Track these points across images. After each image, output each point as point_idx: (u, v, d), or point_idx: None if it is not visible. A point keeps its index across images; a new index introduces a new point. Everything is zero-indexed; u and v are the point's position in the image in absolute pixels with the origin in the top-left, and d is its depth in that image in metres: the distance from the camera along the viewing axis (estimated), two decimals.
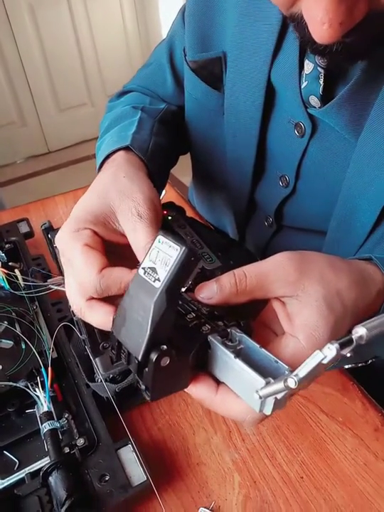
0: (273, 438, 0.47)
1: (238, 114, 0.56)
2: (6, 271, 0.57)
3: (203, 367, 0.33)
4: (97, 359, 0.45)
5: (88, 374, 0.49)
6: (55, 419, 0.44)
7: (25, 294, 0.56)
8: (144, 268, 0.29)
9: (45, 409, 0.45)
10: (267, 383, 0.28)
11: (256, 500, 0.42)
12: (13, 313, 0.54)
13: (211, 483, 0.44)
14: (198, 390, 0.34)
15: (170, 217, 0.54)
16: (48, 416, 0.44)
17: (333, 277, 0.34)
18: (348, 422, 0.48)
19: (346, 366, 0.51)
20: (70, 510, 0.38)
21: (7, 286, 0.56)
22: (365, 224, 0.48)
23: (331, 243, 0.54)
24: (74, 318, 0.49)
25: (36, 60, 2.74)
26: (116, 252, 0.39)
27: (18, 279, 0.57)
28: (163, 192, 0.63)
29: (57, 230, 0.62)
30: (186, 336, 0.32)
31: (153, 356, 0.28)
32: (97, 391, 0.48)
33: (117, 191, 0.39)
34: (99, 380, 0.46)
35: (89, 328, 0.46)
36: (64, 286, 0.39)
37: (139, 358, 0.29)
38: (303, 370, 0.26)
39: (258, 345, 0.31)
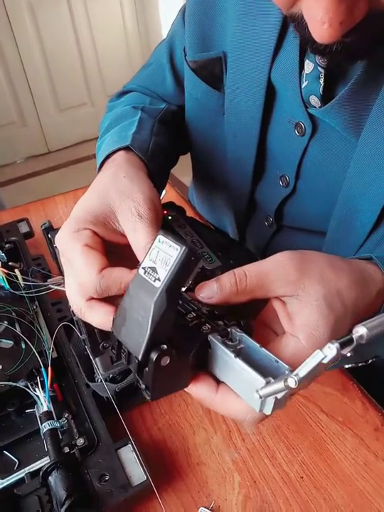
0: (273, 438, 0.47)
1: (238, 113, 0.56)
2: (6, 271, 0.57)
3: (203, 366, 0.33)
4: (97, 359, 0.45)
5: (88, 374, 0.49)
6: (55, 418, 0.44)
7: (25, 293, 0.56)
8: (144, 268, 0.29)
9: (45, 409, 0.45)
10: (267, 383, 0.28)
11: (256, 500, 0.42)
12: (13, 313, 0.54)
13: (211, 483, 0.44)
14: (198, 390, 0.34)
15: (170, 217, 0.54)
16: (48, 416, 0.44)
17: (333, 277, 0.34)
18: (348, 421, 0.48)
19: (346, 366, 0.51)
20: (70, 510, 0.38)
21: (7, 286, 0.56)
22: (365, 224, 0.48)
23: (331, 243, 0.54)
24: (74, 318, 0.49)
25: (36, 60, 2.74)
26: (116, 252, 0.39)
27: (18, 279, 0.57)
28: (164, 192, 0.63)
29: (57, 229, 0.62)
30: (186, 336, 0.32)
31: (154, 356, 0.28)
32: (97, 391, 0.48)
33: (117, 191, 0.39)
34: (99, 380, 0.46)
35: (89, 328, 0.46)
36: (64, 286, 0.39)
37: (139, 357, 0.29)
38: (303, 370, 0.26)
39: (258, 345, 0.31)
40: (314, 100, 0.47)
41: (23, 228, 0.72)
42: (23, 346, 0.51)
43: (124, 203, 0.38)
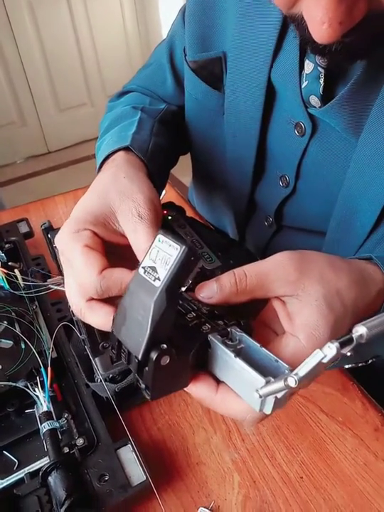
0: (273, 438, 0.47)
1: (238, 114, 0.56)
2: (5, 271, 0.57)
3: (203, 366, 0.33)
4: (96, 359, 0.45)
5: (88, 374, 0.49)
6: (55, 419, 0.44)
7: (25, 293, 0.56)
8: (144, 267, 0.29)
9: (45, 409, 0.44)
10: (267, 382, 0.28)
11: (255, 500, 0.42)
12: (13, 313, 0.54)
13: (211, 483, 0.44)
14: (198, 389, 0.34)
15: (170, 217, 0.54)
16: (48, 416, 0.44)
17: (333, 277, 0.34)
18: (348, 422, 0.48)
19: (346, 366, 0.51)
20: (70, 510, 0.38)
21: (7, 286, 0.56)
22: (365, 224, 0.48)
23: (330, 243, 0.54)
24: (74, 318, 0.49)
25: (36, 60, 2.75)
26: (116, 252, 0.39)
27: (17, 279, 0.57)
28: (163, 192, 0.63)
29: (57, 230, 0.62)
30: (186, 335, 0.32)
31: (154, 355, 0.28)
32: (96, 391, 0.48)
33: (117, 192, 0.39)
34: (99, 380, 0.46)
35: (88, 328, 0.46)
36: (64, 287, 0.39)
37: (139, 356, 0.29)
38: (303, 369, 0.26)
39: (258, 345, 0.31)
40: (314, 100, 0.47)
41: (23, 228, 0.72)
42: (23, 346, 0.51)
43: (124, 203, 0.38)
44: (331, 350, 0.25)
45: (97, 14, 2.78)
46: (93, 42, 2.86)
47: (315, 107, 0.48)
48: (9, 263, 0.61)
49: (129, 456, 0.43)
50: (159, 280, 0.28)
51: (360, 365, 0.48)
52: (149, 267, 0.29)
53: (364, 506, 0.41)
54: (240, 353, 0.31)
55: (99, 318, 0.35)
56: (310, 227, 0.60)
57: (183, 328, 0.32)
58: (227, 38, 0.54)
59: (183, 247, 0.27)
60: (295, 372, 0.27)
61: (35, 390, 0.46)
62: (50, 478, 0.40)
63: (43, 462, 0.43)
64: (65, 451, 0.42)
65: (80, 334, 0.48)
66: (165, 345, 0.29)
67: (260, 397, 0.28)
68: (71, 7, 2.70)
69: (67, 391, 0.50)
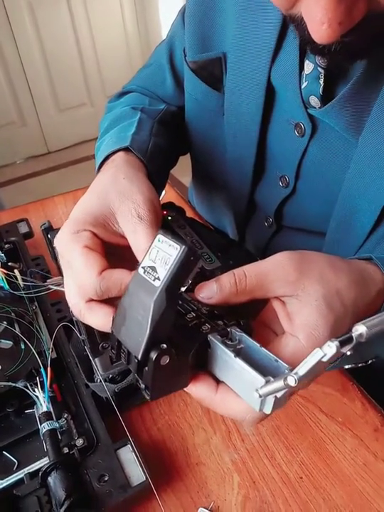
0: (272, 438, 0.47)
1: (238, 114, 0.56)
2: (5, 271, 0.57)
3: (202, 366, 0.33)
4: (96, 359, 0.45)
5: (87, 374, 0.49)
6: (54, 419, 0.44)
7: (25, 294, 0.56)
8: (143, 267, 0.29)
9: (45, 409, 0.44)
10: (267, 382, 0.28)
11: (255, 501, 0.42)
12: (13, 314, 0.54)
13: (210, 484, 0.44)
14: (198, 389, 0.34)
15: (170, 218, 0.54)
16: (47, 416, 0.44)
17: (332, 277, 0.34)
18: (348, 422, 0.48)
19: (346, 366, 0.51)
20: (69, 511, 0.38)
21: (6, 287, 0.56)
22: (365, 224, 0.48)
23: (330, 243, 0.54)
24: (73, 318, 0.49)
25: (36, 60, 2.75)
26: (116, 253, 0.39)
27: (17, 280, 0.57)
28: (163, 192, 0.63)
29: (56, 230, 0.62)
30: (186, 335, 0.32)
31: (153, 355, 0.28)
32: (96, 391, 0.48)
33: (117, 192, 0.39)
34: (99, 380, 0.46)
35: (88, 328, 0.46)
36: (63, 287, 0.39)
37: (139, 356, 0.29)
38: (303, 368, 0.26)
39: (258, 345, 0.31)
40: (314, 101, 0.47)
41: (23, 228, 0.71)
42: (23, 347, 0.51)
43: (123, 204, 0.38)
44: (330, 348, 0.25)
45: (97, 14, 2.78)
46: (93, 42, 2.86)
47: (315, 108, 0.48)
48: (9, 263, 0.61)
49: (128, 456, 0.43)
50: (159, 280, 0.28)
51: (360, 365, 0.48)
52: (149, 267, 0.29)
53: (363, 506, 0.41)
54: (239, 353, 0.31)
55: (99, 319, 0.35)
56: (310, 228, 0.60)
57: (183, 328, 0.32)
58: (227, 38, 0.54)
59: (183, 246, 0.27)
60: (295, 371, 0.27)
61: (34, 391, 0.46)
62: (49, 478, 0.40)
63: (43, 462, 0.43)
64: (65, 452, 0.42)
65: (80, 334, 0.48)
66: (165, 345, 0.29)
67: (260, 396, 0.28)
68: (71, 7, 2.70)
69: (67, 391, 0.50)
